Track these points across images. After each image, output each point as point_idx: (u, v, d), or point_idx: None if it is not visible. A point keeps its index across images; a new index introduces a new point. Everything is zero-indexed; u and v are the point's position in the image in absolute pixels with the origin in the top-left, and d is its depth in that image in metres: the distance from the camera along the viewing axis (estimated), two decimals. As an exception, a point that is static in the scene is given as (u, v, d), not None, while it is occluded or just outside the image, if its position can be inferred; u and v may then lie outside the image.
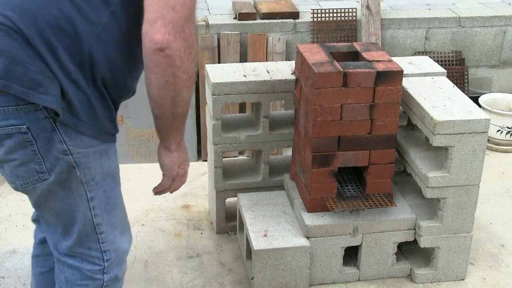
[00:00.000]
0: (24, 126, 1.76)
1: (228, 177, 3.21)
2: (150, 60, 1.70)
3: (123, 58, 1.82)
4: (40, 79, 1.71)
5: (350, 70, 2.64)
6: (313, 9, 4.21)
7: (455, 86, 2.94)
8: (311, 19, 4.19)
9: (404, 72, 2.75)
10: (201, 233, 3.31)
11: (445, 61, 4.38)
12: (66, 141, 1.79)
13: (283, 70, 3.10)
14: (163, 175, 2.00)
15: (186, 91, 1.77)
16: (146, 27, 1.68)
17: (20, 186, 1.88)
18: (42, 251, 2.30)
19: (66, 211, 1.92)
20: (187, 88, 1.77)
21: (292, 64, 3.15)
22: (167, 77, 1.71)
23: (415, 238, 2.91)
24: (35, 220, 2.32)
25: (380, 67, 2.68)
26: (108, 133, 1.87)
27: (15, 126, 1.76)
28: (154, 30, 1.66)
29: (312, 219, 2.83)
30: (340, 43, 3.00)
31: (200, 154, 4.08)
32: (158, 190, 2.05)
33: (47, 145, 1.79)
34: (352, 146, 2.76)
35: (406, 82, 2.93)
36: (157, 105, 1.80)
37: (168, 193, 2.09)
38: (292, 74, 3.05)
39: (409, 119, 3.06)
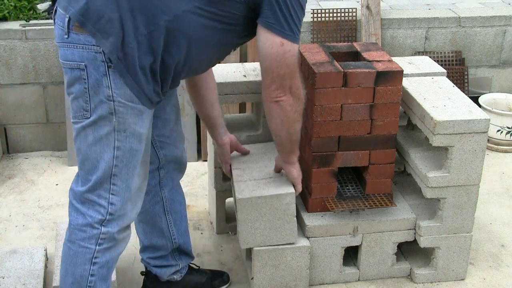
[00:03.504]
0: (83, 64, 2.01)
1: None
2: (269, 108, 2.27)
3: (190, 49, 2.07)
4: (108, 27, 1.96)
5: (350, 70, 2.64)
6: (313, 9, 4.21)
7: (455, 86, 2.94)
8: (311, 19, 4.19)
9: (404, 72, 2.75)
10: (201, 233, 3.31)
11: (445, 61, 4.38)
12: (112, 87, 2.02)
13: (283, 70, 3.09)
14: (296, 184, 2.59)
15: (297, 124, 2.35)
16: (264, 88, 2.23)
17: (72, 118, 2.12)
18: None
19: (91, 158, 2.11)
20: (298, 122, 2.35)
21: (292, 64, 3.14)
22: (281, 118, 2.29)
23: (415, 238, 2.91)
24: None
25: (380, 67, 2.68)
26: (148, 98, 2.08)
27: (77, 62, 2.01)
28: (270, 91, 2.21)
29: (312, 219, 2.83)
30: (340, 43, 3.01)
31: (200, 154, 4.07)
32: None
33: (95, 87, 2.02)
34: (352, 146, 2.76)
35: (406, 82, 2.93)
36: (277, 136, 2.40)
37: None
38: (292, 74, 3.04)
39: (409, 119, 3.06)
